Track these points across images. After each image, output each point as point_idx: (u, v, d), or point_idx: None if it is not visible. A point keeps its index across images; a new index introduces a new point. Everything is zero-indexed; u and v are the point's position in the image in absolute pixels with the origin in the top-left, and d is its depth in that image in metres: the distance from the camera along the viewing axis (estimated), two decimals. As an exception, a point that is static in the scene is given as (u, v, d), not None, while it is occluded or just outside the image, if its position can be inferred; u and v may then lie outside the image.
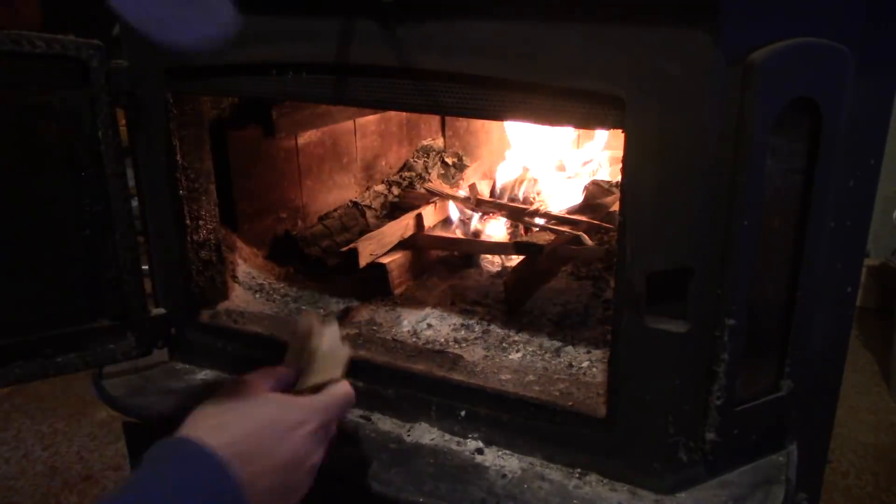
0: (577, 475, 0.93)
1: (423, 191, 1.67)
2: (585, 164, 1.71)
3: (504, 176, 1.65)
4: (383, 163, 1.75)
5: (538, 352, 1.10)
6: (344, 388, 0.76)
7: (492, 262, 1.46)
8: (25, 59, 0.94)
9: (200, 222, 1.17)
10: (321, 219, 1.55)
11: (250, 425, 0.63)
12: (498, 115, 0.87)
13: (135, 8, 0.46)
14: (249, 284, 1.31)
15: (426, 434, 1.01)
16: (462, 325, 1.19)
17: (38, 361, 1.04)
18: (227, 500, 0.57)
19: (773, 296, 0.85)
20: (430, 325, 1.19)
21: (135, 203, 1.11)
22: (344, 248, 1.30)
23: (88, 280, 1.07)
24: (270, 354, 1.14)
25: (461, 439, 1.00)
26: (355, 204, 1.63)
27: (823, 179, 0.79)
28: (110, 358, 1.11)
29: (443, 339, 1.15)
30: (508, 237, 1.50)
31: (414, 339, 1.15)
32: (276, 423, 0.65)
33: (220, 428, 0.62)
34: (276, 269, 1.40)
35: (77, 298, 1.07)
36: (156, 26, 0.47)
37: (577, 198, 1.56)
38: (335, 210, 1.59)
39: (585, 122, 0.83)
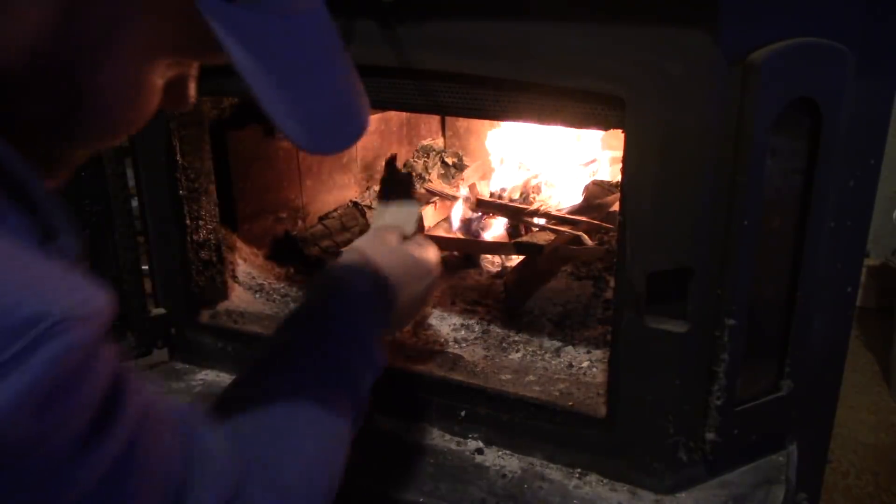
0: (577, 475, 0.93)
1: (423, 191, 1.67)
2: (587, 164, 1.71)
3: (505, 176, 1.65)
4: (383, 163, 1.75)
5: (538, 352, 1.10)
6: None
7: (492, 262, 1.46)
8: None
9: (200, 222, 1.17)
10: (321, 219, 1.55)
11: (408, 270, 0.86)
12: (498, 115, 0.87)
13: (292, 126, 0.49)
14: (249, 284, 1.31)
15: (426, 434, 1.01)
16: (462, 325, 1.19)
17: (38, 361, 1.04)
18: (388, 308, 0.79)
19: (773, 296, 0.85)
20: (430, 325, 1.19)
21: (135, 203, 1.11)
22: (344, 249, 1.30)
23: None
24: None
25: (461, 439, 1.00)
26: (355, 204, 1.63)
27: (823, 179, 0.79)
28: (110, 358, 1.11)
29: (443, 339, 1.15)
30: (508, 237, 1.50)
31: (414, 339, 1.15)
32: (422, 274, 0.87)
33: (385, 266, 0.82)
34: (276, 269, 1.40)
35: (77, 298, 1.07)
36: (310, 141, 0.52)
37: (577, 198, 1.56)
38: (335, 210, 1.59)
39: (585, 122, 0.83)
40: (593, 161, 1.71)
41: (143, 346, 1.13)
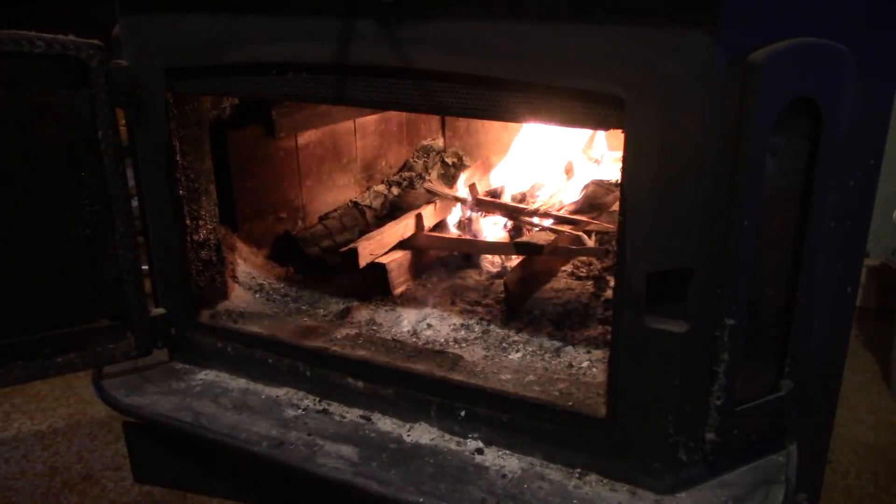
0: (577, 475, 0.92)
1: (423, 191, 1.67)
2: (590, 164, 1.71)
3: (506, 177, 1.65)
4: (383, 163, 1.75)
5: (538, 352, 1.10)
6: None
7: (492, 262, 1.46)
8: (26, 59, 0.94)
9: (200, 222, 1.17)
10: (321, 219, 1.55)
11: None
12: (498, 114, 0.87)
13: None
14: (249, 284, 1.31)
15: (426, 434, 1.01)
16: (462, 325, 1.19)
17: (38, 361, 1.04)
18: None
19: (773, 296, 0.85)
20: (430, 325, 1.19)
21: (135, 203, 1.11)
22: (344, 249, 1.31)
23: (88, 280, 1.07)
24: (271, 354, 1.14)
25: (461, 439, 1.00)
26: (355, 204, 1.63)
27: (823, 179, 0.79)
28: (110, 358, 1.11)
29: (443, 339, 1.15)
30: (508, 237, 1.50)
31: (414, 339, 1.15)
32: None
33: None
34: (276, 269, 1.40)
35: (77, 298, 1.07)
36: None
37: (578, 197, 1.56)
38: (335, 210, 1.59)
39: (585, 122, 0.83)
40: (597, 161, 1.72)
41: (143, 346, 1.13)
